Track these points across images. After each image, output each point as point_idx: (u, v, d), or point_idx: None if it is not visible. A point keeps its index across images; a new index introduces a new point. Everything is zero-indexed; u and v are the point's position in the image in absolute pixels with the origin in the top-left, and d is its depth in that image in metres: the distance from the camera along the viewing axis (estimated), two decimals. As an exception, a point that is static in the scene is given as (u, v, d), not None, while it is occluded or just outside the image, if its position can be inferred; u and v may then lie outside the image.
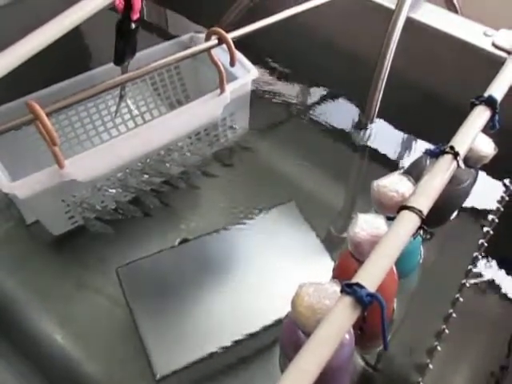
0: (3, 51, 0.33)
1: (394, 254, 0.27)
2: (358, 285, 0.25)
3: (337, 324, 0.24)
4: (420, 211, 0.29)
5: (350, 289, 0.25)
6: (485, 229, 0.48)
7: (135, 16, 0.41)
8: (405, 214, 0.29)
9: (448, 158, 0.32)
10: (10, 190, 0.40)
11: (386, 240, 0.28)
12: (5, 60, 0.32)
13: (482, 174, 0.44)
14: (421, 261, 0.44)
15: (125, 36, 0.43)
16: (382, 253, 0.27)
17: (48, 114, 0.37)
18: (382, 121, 0.58)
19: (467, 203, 0.46)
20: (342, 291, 0.26)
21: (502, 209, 0.50)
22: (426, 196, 0.30)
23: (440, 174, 0.32)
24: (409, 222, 0.29)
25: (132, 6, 0.40)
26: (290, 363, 0.23)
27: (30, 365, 0.41)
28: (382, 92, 0.52)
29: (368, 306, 0.25)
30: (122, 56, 0.44)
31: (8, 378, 0.40)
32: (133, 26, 0.42)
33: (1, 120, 0.45)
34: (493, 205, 0.50)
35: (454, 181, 0.33)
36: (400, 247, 0.27)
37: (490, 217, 0.49)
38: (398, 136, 0.58)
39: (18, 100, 0.48)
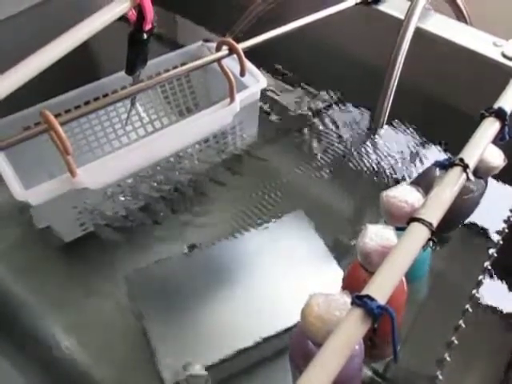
0: (18, 64, 0.34)
1: (404, 266, 0.27)
2: (368, 297, 0.25)
3: (347, 336, 0.24)
4: (430, 223, 0.29)
5: (360, 301, 0.25)
6: (495, 239, 0.48)
7: (147, 26, 0.42)
8: (415, 225, 0.29)
9: (457, 170, 0.33)
10: (23, 198, 0.41)
11: (396, 252, 0.28)
12: (20, 72, 0.33)
13: (493, 184, 0.43)
14: (428, 268, 0.44)
15: (137, 47, 0.43)
16: (392, 265, 0.27)
17: (61, 124, 0.38)
18: (391, 129, 0.58)
19: (478, 213, 0.46)
20: (352, 303, 0.26)
21: (512, 219, 0.49)
22: (435, 208, 0.30)
23: (450, 186, 0.32)
24: (419, 234, 0.29)
25: (144, 17, 0.41)
26: (301, 375, 0.23)
27: (38, 370, 0.42)
28: (391, 100, 0.53)
29: (378, 318, 0.25)
30: (133, 66, 0.45)
31: (16, 384, 0.41)
32: (145, 36, 0.42)
33: (14, 128, 0.46)
34: (504, 214, 0.49)
35: (462, 191, 0.33)
36: (410, 259, 0.28)
37: (501, 226, 0.49)
38: (407, 144, 0.58)
39: (32, 108, 0.49)
